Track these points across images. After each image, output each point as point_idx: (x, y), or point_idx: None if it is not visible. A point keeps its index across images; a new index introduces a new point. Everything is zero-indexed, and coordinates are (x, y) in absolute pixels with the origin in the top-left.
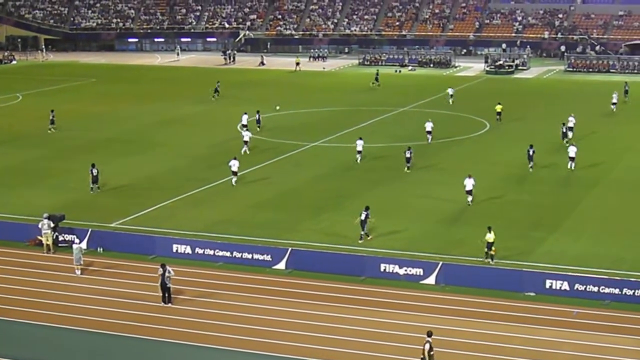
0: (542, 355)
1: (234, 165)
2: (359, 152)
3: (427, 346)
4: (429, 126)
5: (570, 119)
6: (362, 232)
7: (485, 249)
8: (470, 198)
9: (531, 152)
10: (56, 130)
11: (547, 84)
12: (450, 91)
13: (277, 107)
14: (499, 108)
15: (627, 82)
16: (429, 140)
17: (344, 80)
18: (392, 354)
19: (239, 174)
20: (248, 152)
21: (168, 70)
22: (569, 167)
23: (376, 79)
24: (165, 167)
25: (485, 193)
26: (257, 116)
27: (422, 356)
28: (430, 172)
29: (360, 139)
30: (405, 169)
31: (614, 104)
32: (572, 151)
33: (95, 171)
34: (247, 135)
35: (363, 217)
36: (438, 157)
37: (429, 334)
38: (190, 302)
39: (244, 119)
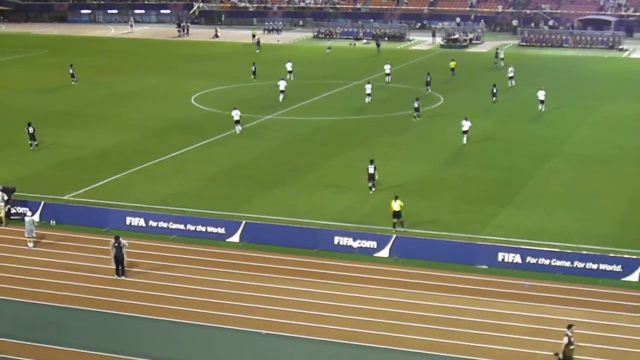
0: (493, 327)
1: (236, 114)
2: (369, 94)
3: (565, 339)
4: (387, 68)
5: (510, 69)
6: (370, 184)
7: (392, 219)
8: (465, 138)
9: (494, 90)
10: (77, 82)
11: (511, 60)
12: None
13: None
14: (452, 64)
15: (499, 48)
16: (388, 80)
17: (299, 54)
18: (345, 326)
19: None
20: (281, 100)
21: (122, 42)
22: (539, 109)
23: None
24: (119, 139)
25: (438, 167)
26: (252, 68)
27: (561, 350)
28: (383, 147)
29: (369, 82)
30: (413, 118)
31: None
32: (541, 94)
33: (31, 129)
34: (282, 85)
35: (372, 170)
36: (391, 131)
37: (569, 327)
38: (144, 274)
39: (289, 66)
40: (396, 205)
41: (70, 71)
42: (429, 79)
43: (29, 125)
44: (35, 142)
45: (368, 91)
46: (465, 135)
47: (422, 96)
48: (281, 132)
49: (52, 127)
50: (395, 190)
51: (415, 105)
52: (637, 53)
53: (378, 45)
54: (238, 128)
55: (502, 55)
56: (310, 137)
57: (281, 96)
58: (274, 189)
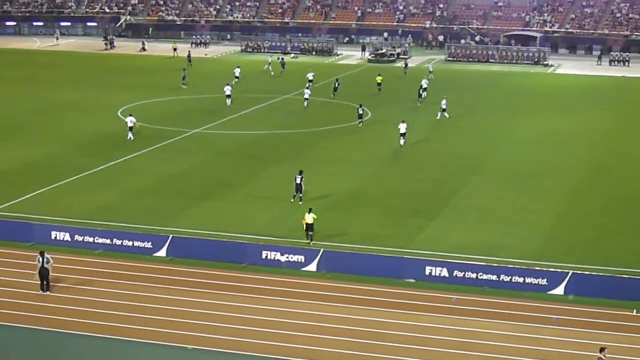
0: (420, 341)
1: (130, 121)
2: (307, 99)
3: None
4: (310, 76)
5: (424, 81)
6: (299, 195)
7: (306, 231)
8: (403, 141)
9: (421, 91)
10: None
11: (427, 74)
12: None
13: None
14: (379, 79)
15: (407, 60)
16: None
17: (227, 67)
18: (272, 340)
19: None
20: (230, 104)
21: (47, 55)
22: (438, 117)
23: (282, 65)
24: (44, 153)
25: (365, 181)
26: (183, 74)
27: None
28: (311, 161)
29: (308, 88)
30: (359, 124)
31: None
32: (444, 104)
33: None
34: (228, 90)
35: (298, 180)
36: (319, 145)
37: (602, 350)
38: (70, 290)
39: (237, 72)
40: (309, 218)
41: None
42: (337, 85)
43: None
44: None
45: (306, 96)
46: (402, 138)
47: (331, 104)
48: (209, 146)
49: None
50: (323, 203)
51: (360, 112)
52: (562, 69)
53: (283, 65)
54: (130, 135)
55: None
56: (239, 151)
57: (228, 101)
58: (202, 203)
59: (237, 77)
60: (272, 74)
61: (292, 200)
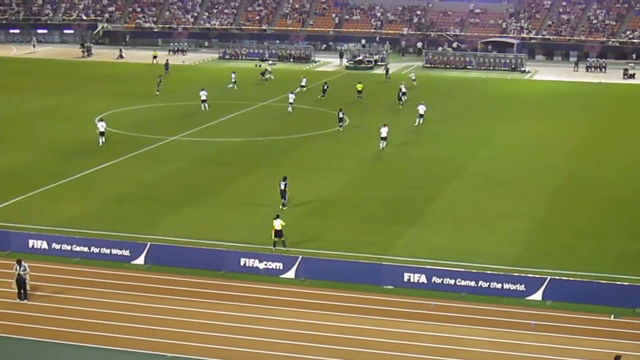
0: (399, 347)
1: (101, 126)
2: (291, 103)
3: None
4: (303, 81)
5: (402, 86)
6: (283, 201)
7: (273, 237)
8: (383, 144)
9: (400, 94)
10: None
11: (404, 79)
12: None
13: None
14: (359, 87)
15: (388, 64)
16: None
17: (204, 75)
18: (251, 348)
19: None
20: (205, 109)
21: (24, 62)
22: (416, 123)
23: (262, 74)
24: (21, 160)
25: (344, 188)
26: (158, 79)
27: None
28: (289, 168)
29: (292, 92)
30: (338, 128)
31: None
32: (421, 109)
33: None
34: (204, 95)
35: (282, 186)
36: (297, 152)
37: (617, 359)
38: (47, 298)
39: (233, 76)
40: (277, 225)
41: None
42: (325, 87)
43: None
44: None
45: (291, 100)
46: (383, 141)
47: (310, 110)
48: (187, 153)
49: None
50: (302, 209)
51: (340, 115)
52: (539, 75)
53: (263, 74)
54: (101, 140)
55: (400, 74)
56: (217, 158)
57: (203, 106)
58: (180, 210)
59: (234, 82)
60: (272, 78)
61: (282, 208)
